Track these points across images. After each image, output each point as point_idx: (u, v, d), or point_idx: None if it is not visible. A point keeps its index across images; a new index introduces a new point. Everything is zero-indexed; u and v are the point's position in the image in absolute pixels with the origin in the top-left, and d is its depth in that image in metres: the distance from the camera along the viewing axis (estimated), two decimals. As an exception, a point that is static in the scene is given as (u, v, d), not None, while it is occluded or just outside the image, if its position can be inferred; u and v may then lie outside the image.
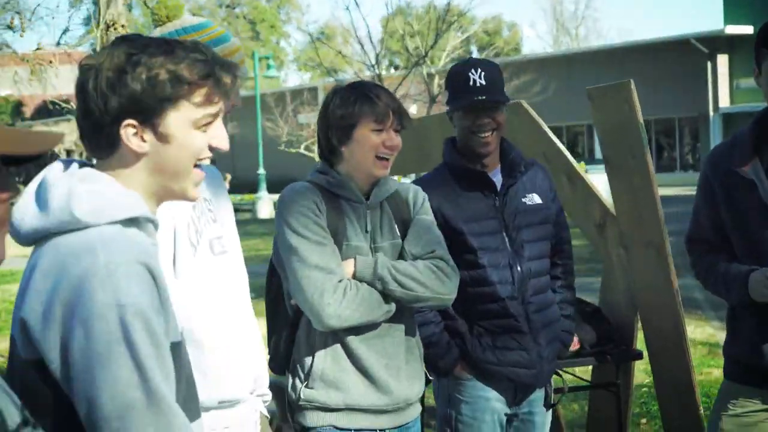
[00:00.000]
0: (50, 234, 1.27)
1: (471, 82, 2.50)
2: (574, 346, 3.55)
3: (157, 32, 2.00)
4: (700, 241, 2.52)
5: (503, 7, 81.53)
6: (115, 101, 1.26)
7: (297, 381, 2.17)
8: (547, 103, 21.54)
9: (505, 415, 2.61)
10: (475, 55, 34.61)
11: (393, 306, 2.11)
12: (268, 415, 2.15)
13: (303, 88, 30.89)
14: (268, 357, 2.25)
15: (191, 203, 1.72)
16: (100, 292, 1.18)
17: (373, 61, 21.55)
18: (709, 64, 25.85)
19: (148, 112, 1.28)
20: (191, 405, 1.35)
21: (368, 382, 2.15)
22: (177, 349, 1.30)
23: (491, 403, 2.57)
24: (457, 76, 2.57)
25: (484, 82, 2.49)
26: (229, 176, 20.94)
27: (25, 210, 1.30)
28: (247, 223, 17.98)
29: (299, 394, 2.15)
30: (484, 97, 2.46)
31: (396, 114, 2.12)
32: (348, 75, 24.03)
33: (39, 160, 1.10)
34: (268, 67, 24.99)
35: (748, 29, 24.14)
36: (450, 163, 2.60)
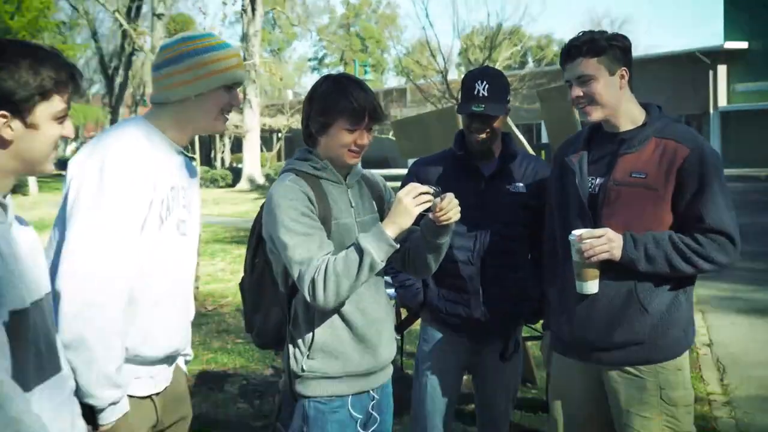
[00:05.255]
0: None
1: (475, 92, 2.64)
2: None
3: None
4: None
5: (554, 28, 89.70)
6: None
7: (297, 353, 2.13)
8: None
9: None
10: (530, 63, 38.48)
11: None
12: (187, 372, 2.22)
13: (392, 89, 33.66)
14: (254, 332, 2.29)
15: (170, 185, 1.92)
16: None
17: (442, 68, 24.71)
18: (710, 72, 27.56)
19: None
20: (48, 363, 1.43)
21: (362, 347, 2.13)
22: (21, 315, 1.30)
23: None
24: (466, 83, 2.71)
25: (486, 94, 2.63)
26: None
27: None
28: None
29: (301, 365, 2.12)
30: (482, 107, 2.63)
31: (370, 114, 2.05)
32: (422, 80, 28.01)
33: None
34: (365, 72, 30.01)
35: (743, 44, 25.97)
36: (453, 151, 2.81)
